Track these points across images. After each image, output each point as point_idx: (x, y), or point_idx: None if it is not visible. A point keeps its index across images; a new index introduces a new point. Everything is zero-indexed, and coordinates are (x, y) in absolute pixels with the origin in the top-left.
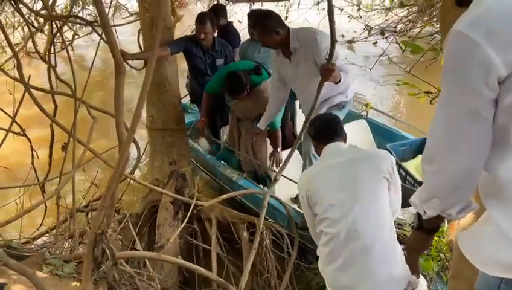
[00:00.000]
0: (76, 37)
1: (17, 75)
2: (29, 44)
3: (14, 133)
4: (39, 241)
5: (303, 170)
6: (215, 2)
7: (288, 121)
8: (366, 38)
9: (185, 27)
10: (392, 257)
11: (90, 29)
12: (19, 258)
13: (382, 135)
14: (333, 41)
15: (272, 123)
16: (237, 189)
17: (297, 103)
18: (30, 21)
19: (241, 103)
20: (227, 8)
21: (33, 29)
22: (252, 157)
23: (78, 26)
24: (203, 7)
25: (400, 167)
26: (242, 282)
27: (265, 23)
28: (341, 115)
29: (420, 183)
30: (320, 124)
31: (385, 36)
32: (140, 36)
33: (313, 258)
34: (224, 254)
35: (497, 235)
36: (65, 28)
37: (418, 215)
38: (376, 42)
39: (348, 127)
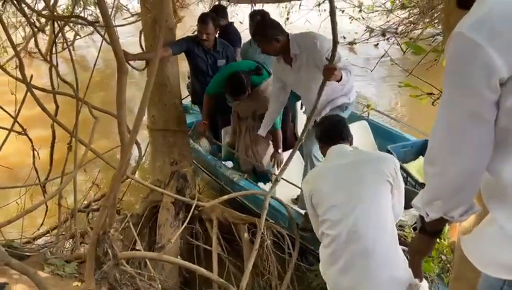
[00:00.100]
0: (78, 37)
1: (19, 75)
2: (30, 44)
3: (16, 132)
4: (40, 241)
5: (304, 171)
6: (216, 3)
7: (289, 122)
8: (367, 39)
9: (186, 28)
10: (393, 260)
11: (91, 29)
12: (21, 258)
13: (383, 136)
14: (335, 42)
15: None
16: (238, 190)
17: (299, 104)
18: (32, 21)
19: (242, 103)
20: (229, 9)
21: (35, 29)
22: (253, 155)
23: (79, 26)
24: (204, 8)
25: (401, 168)
26: (243, 282)
27: (264, 32)
28: (344, 116)
29: (421, 185)
30: (326, 126)
31: (386, 38)
32: (142, 37)
33: (313, 259)
34: (225, 255)
35: (500, 237)
36: (66, 28)
37: (421, 218)
38: (377, 44)
39: None
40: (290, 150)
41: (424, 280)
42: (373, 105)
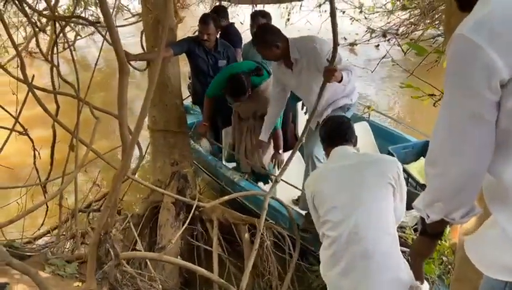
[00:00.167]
0: (78, 37)
1: (20, 75)
2: (31, 44)
3: (17, 132)
4: (41, 241)
5: (306, 172)
6: (217, 4)
7: (289, 122)
8: (368, 40)
9: (187, 28)
10: (394, 262)
11: (92, 30)
12: (21, 258)
13: (384, 137)
14: (335, 43)
15: None
16: (238, 190)
17: (299, 104)
18: (33, 21)
19: (243, 104)
20: (229, 9)
21: (36, 29)
22: (255, 154)
23: (80, 26)
24: (205, 8)
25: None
26: (243, 283)
27: (264, 38)
28: None
29: (422, 186)
30: (330, 127)
31: (387, 39)
32: (143, 37)
33: (314, 260)
34: (226, 256)
35: (502, 239)
36: (67, 28)
37: (422, 220)
38: (378, 45)
39: None
40: (290, 151)
41: (425, 282)
42: (374, 106)
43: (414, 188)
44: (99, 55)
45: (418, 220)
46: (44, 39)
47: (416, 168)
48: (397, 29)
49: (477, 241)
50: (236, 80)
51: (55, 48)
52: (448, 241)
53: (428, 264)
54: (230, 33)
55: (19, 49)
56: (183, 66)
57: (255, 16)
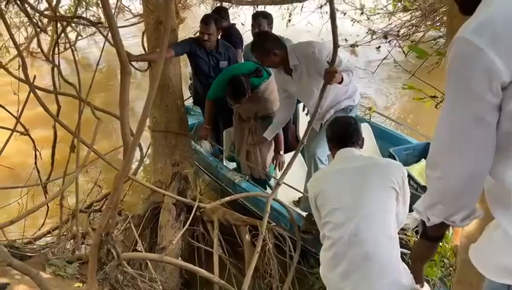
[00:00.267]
0: (80, 38)
1: (21, 76)
2: (31, 44)
3: (19, 132)
4: (41, 242)
5: (308, 174)
6: (218, 5)
7: (290, 123)
8: (369, 42)
9: (188, 29)
10: (394, 266)
11: (93, 30)
12: (22, 258)
13: (385, 139)
14: (335, 46)
15: None
16: (239, 191)
17: (300, 106)
18: (35, 21)
19: (243, 106)
20: (230, 10)
21: (37, 30)
22: (255, 158)
23: (81, 27)
24: (206, 9)
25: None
26: (244, 285)
27: (263, 46)
28: None
29: (423, 188)
30: (337, 128)
31: (388, 40)
32: (144, 38)
33: (314, 262)
34: (226, 257)
35: (504, 242)
36: (68, 28)
37: (423, 222)
38: (379, 47)
39: None
40: (291, 152)
41: (426, 285)
42: (374, 107)
43: (415, 190)
44: (100, 56)
45: (418, 222)
46: (45, 39)
47: (417, 170)
48: (398, 31)
49: (480, 244)
50: (236, 82)
51: (56, 48)
52: (450, 243)
53: (431, 267)
54: (231, 34)
55: (20, 49)
56: (184, 66)
57: (256, 16)
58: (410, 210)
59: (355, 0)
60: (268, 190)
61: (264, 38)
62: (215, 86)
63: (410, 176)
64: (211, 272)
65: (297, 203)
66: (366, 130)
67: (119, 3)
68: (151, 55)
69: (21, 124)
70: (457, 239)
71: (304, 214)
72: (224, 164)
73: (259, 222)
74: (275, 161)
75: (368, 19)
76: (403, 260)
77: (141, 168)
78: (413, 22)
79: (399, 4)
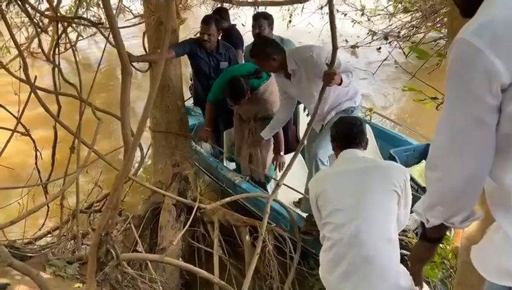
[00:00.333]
0: (80, 38)
1: (22, 76)
2: (32, 44)
3: (19, 132)
4: (41, 242)
5: (309, 175)
6: (219, 5)
7: (291, 124)
8: (370, 43)
9: (189, 30)
10: (393, 270)
11: (94, 30)
12: (22, 258)
13: (385, 140)
14: (334, 47)
15: None
16: (240, 192)
17: (301, 107)
18: (36, 22)
19: (243, 107)
20: (231, 11)
21: (38, 30)
22: (256, 161)
23: (81, 27)
24: (206, 10)
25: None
26: (244, 286)
27: (261, 52)
28: None
29: (424, 189)
30: (342, 128)
31: (388, 41)
32: (145, 38)
33: (314, 264)
34: (227, 258)
35: (505, 244)
36: (69, 29)
37: (422, 224)
38: (380, 48)
39: None
40: (292, 153)
41: (425, 287)
42: (375, 109)
43: (416, 192)
44: (102, 56)
45: (418, 224)
46: (46, 40)
47: (418, 171)
48: (399, 32)
49: (481, 246)
50: (235, 83)
51: (57, 49)
52: (451, 245)
53: (432, 268)
54: (231, 35)
55: (21, 49)
56: (185, 67)
57: (256, 17)
58: (411, 212)
59: (356, 1)
60: (269, 191)
61: (262, 43)
62: (215, 88)
63: (410, 178)
64: (211, 273)
65: (297, 204)
66: (366, 131)
67: (120, 3)
68: (151, 56)
69: (22, 124)
70: (458, 241)
71: (304, 215)
72: (225, 164)
73: (259, 222)
74: (275, 162)
75: (369, 20)
76: (404, 261)
77: (142, 168)
78: (414, 23)
79: (399, 5)
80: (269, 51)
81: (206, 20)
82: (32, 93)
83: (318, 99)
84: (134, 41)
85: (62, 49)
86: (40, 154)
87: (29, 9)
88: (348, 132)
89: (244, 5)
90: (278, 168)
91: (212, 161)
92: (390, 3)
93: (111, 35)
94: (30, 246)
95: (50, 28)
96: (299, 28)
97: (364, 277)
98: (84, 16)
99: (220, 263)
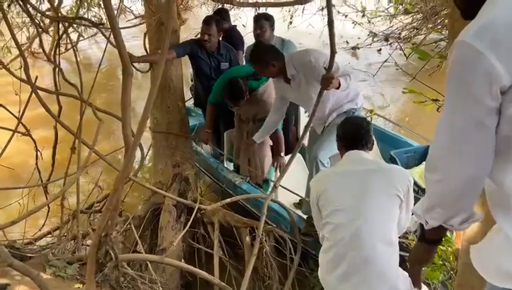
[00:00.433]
0: (81, 38)
1: (23, 76)
2: (33, 45)
3: (20, 132)
4: (42, 242)
5: (309, 176)
6: (220, 6)
7: (291, 125)
8: (370, 44)
9: (189, 30)
10: (392, 273)
11: (94, 30)
12: (22, 259)
13: (386, 142)
14: (333, 52)
15: None
16: (240, 193)
17: (302, 108)
18: (37, 22)
19: (243, 108)
20: (232, 12)
21: (39, 30)
22: (254, 163)
23: (82, 27)
24: (207, 10)
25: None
26: (242, 288)
27: (260, 58)
28: None
29: (424, 191)
30: (348, 129)
31: (389, 43)
32: (146, 39)
33: (314, 265)
34: (227, 258)
35: (505, 246)
36: (70, 29)
37: (421, 226)
38: (380, 49)
39: None
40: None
41: (425, 288)
42: (375, 110)
43: (416, 193)
44: (102, 57)
45: (417, 226)
46: (47, 40)
47: (418, 172)
48: (399, 34)
49: (481, 248)
50: (234, 84)
51: (57, 49)
52: (452, 246)
53: (433, 270)
54: (232, 36)
55: (22, 49)
56: (186, 68)
57: (257, 18)
58: (412, 213)
59: (357, 2)
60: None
61: (261, 50)
62: (215, 89)
63: None
64: (211, 274)
65: (298, 205)
66: (372, 132)
67: (121, 4)
68: (152, 56)
69: (22, 124)
70: (459, 243)
71: (305, 216)
72: (225, 165)
73: (257, 224)
74: (275, 163)
75: (369, 21)
76: (404, 263)
77: (142, 169)
78: (415, 24)
79: (400, 7)
80: (268, 58)
81: (206, 21)
82: (33, 94)
83: (316, 102)
84: (135, 41)
85: (63, 49)
86: (41, 154)
87: (30, 9)
88: (354, 133)
89: (245, 6)
90: (278, 169)
91: (212, 162)
92: (391, 4)
93: (112, 36)
94: (30, 246)
95: (51, 28)
96: (300, 29)
97: (364, 278)
98: (85, 16)
99: (220, 264)
